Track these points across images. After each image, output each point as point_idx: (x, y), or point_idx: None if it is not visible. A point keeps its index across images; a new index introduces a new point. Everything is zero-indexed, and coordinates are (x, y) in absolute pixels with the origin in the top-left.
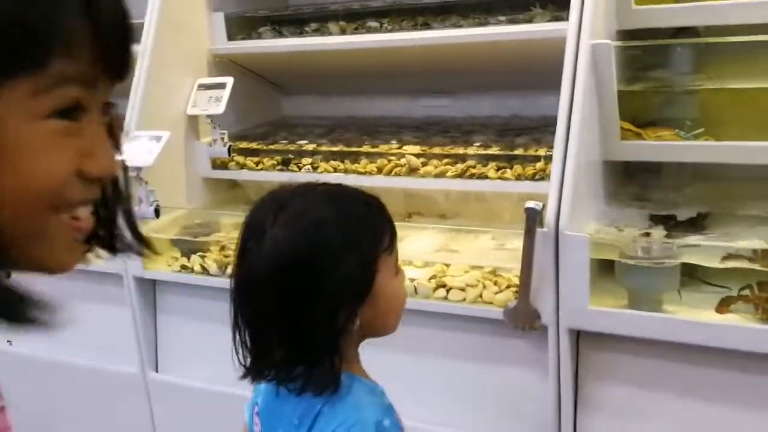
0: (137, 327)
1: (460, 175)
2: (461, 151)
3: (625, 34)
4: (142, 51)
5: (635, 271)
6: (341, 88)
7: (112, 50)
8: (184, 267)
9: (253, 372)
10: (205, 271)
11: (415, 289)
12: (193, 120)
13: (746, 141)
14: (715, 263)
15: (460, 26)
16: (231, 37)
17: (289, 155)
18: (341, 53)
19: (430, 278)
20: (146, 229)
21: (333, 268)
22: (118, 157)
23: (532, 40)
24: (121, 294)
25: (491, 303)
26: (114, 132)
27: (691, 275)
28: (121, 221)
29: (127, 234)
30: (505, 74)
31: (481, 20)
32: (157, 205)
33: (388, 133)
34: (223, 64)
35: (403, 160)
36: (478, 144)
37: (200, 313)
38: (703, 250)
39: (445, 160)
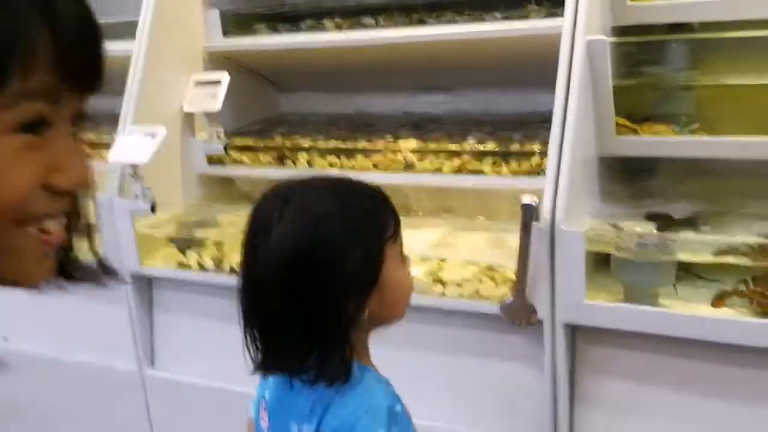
0: (134, 323)
1: (456, 171)
2: (457, 147)
3: (620, 31)
4: (138, 48)
5: (631, 266)
6: (337, 85)
7: (77, 63)
8: (180, 263)
9: (265, 366)
10: (201, 267)
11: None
12: (189, 117)
13: (741, 136)
14: (711, 258)
15: (456, 23)
16: (226, 33)
17: (285, 151)
18: (337, 50)
19: (427, 274)
20: (142, 225)
21: (340, 260)
22: (90, 170)
23: (528, 36)
24: (117, 290)
25: (488, 298)
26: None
27: (687, 270)
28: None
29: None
30: (501, 70)
31: (477, 17)
32: (154, 202)
33: (383, 129)
34: (218, 60)
35: (399, 156)
36: (473, 140)
37: (197, 309)
38: (699, 245)
39: (441, 156)
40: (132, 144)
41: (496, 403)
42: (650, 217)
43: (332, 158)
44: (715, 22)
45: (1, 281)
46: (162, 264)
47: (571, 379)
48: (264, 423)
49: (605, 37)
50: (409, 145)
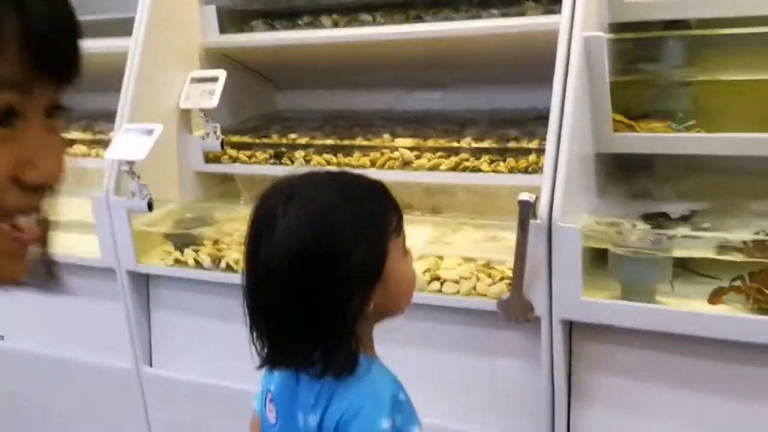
0: (130, 321)
1: (453, 168)
2: (454, 144)
3: (617, 27)
4: (134, 45)
5: (628, 263)
6: (334, 82)
7: (49, 53)
8: (177, 261)
9: (271, 360)
10: (198, 264)
11: None
12: (185, 114)
13: (738, 133)
14: (707, 254)
15: (453, 19)
16: (223, 30)
17: (282, 149)
18: (334, 46)
19: (424, 271)
20: (139, 223)
21: (345, 254)
22: (63, 165)
23: (525, 33)
24: (114, 288)
25: (485, 295)
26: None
27: (684, 266)
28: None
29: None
30: (498, 67)
31: (474, 13)
32: (150, 199)
33: (380, 126)
34: (215, 57)
35: (396, 154)
36: (471, 137)
37: (194, 307)
38: (696, 241)
39: (438, 153)
40: (129, 141)
41: (493, 400)
42: (647, 217)
43: (329, 155)
44: (712, 18)
45: None
46: (159, 262)
47: (568, 375)
48: (271, 416)
49: (602, 34)
50: (406, 142)
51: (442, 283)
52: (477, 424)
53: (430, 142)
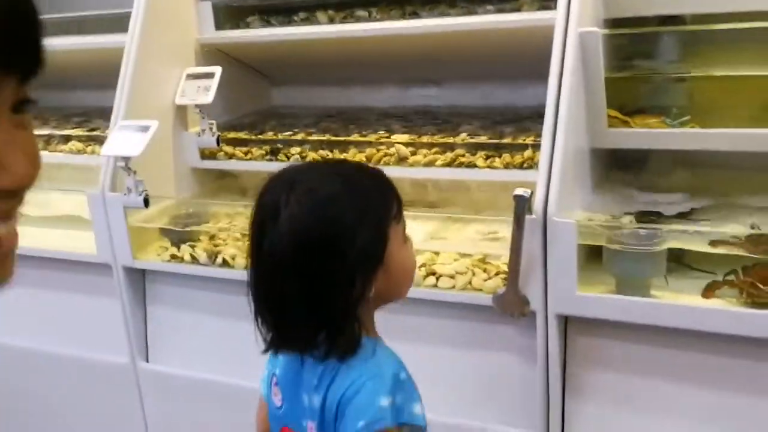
0: (127, 317)
1: (449, 164)
2: (450, 140)
3: (613, 23)
4: (130, 41)
5: (622, 257)
6: (330, 78)
7: (8, 45)
8: (173, 257)
9: (276, 344)
10: (195, 260)
11: None
12: (181, 110)
13: (732, 128)
14: (702, 248)
15: (449, 15)
16: (219, 26)
17: (278, 145)
18: (329, 42)
19: (420, 266)
20: (135, 219)
21: (347, 241)
22: (37, 165)
23: (520, 28)
24: (110, 284)
25: (480, 290)
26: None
27: (678, 261)
28: None
29: None
30: (494, 63)
31: (470, 9)
32: (146, 195)
33: (376, 122)
34: (211, 53)
35: (392, 150)
36: (466, 133)
37: (190, 302)
38: (690, 236)
39: (434, 149)
40: (124, 137)
41: (488, 394)
42: (642, 214)
43: (325, 151)
44: (707, 14)
45: None
46: (155, 257)
47: (563, 369)
48: (277, 399)
49: (598, 30)
50: (401, 138)
51: (437, 278)
52: (472, 418)
53: (426, 138)
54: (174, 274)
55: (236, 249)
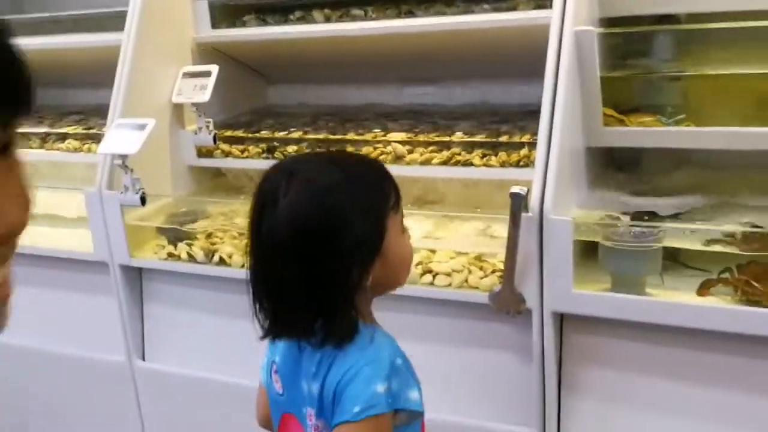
0: (123, 315)
1: (445, 163)
2: (446, 138)
3: (608, 22)
4: (126, 39)
5: (618, 255)
6: (326, 77)
7: None
8: (170, 255)
9: (273, 331)
10: (191, 258)
11: None
12: (178, 108)
13: (727, 127)
14: (696, 247)
15: (444, 14)
16: (215, 25)
17: (275, 143)
18: (325, 41)
19: (417, 264)
20: (132, 217)
21: (345, 229)
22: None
23: (516, 27)
24: (107, 282)
25: (477, 288)
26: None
27: (673, 259)
28: None
29: None
30: (490, 62)
31: (466, 8)
32: (143, 193)
33: (373, 120)
34: (207, 52)
35: (388, 148)
36: (462, 131)
37: (187, 301)
38: (685, 234)
39: (431, 148)
40: (121, 135)
41: (484, 391)
42: (636, 216)
43: (321, 150)
44: (702, 13)
45: None
46: (152, 255)
47: (559, 366)
48: (278, 386)
49: (593, 29)
50: (398, 136)
51: (434, 276)
52: (468, 415)
53: (422, 137)
54: (171, 273)
55: (233, 247)
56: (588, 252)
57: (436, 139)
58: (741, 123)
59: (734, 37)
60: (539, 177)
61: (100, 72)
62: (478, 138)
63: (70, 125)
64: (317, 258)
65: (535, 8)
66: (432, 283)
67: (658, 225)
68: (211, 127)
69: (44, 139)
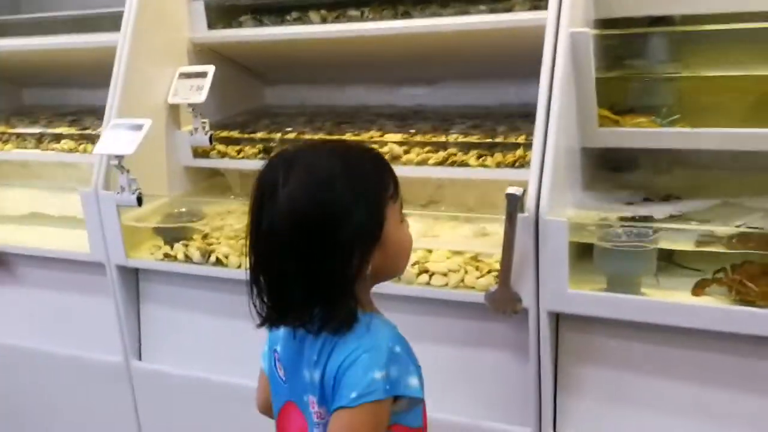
0: (120, 315)
1: (441, 163)
2: (442, 139)
3: (603, 23)
4: (123, 40)
5: (613, 255)
6: (322, 77)
7: None
8: (167, 255)
9: (272, 319)
10: (188, 259)
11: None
12: (174, 109)
13: (721, 128)
14: (691, 247)
15: (441, 15)
16: (211, 25)
17: (271, 144)
18: (322, 42)
19: (413, 264)
20: (128, 217)
21: (344, 218)
22: None
23: (512, 28)
24: (103, 282)
25: (473, 287)
26: None
27: (668, 259)
28: None
29: None
30: (485, 63)
31: (461, 9)
32: (139, 194)
33: (369, 121)
34: (203, 52)
35: (385, 149)
36: (459, 132)
37: (183, 301)
38: (680, 234)
39: (427, 148)
40: (117, 136)
41: (480, 391)
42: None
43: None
44: (696, 15)
45: None
46: (148, 256)
47: (555, 366)
48: (281, 374)
49: (588, 30)
50: (394, 137)
51: (430, 276)
52: (464, 414)
53: (419, 137)
54: (167, 273)
55: (229, 248)
56: (583, 252)
57: (433, 139)
58: (735, 124)
59: (729, 39)
60: (535, 177)
61: (96, 72)
62: (474, 139)
63: (66, 125)
64: (317, 247)
65: (530, 9)
66: (428, 283)
67: (653, 225)
68: (207, 127)
69: (39, 139)
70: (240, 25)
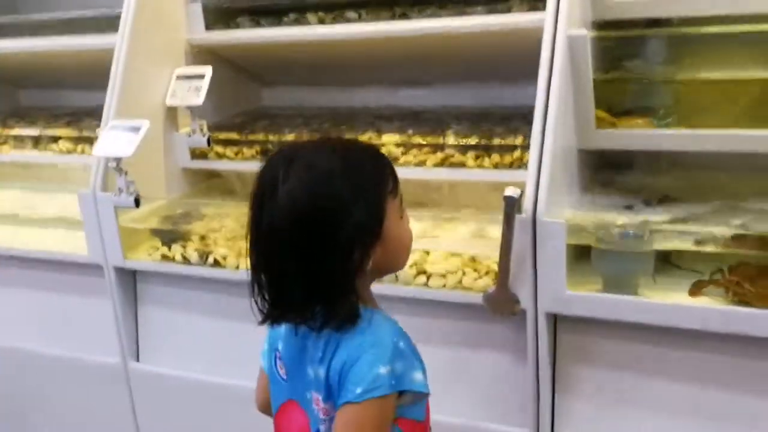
0: (118, 317)
1: (439, 164)
2: (440, 140)
3: (601, 25)
4: (120, 41)
5: (611, 257)
6: (320, 79)
7: None
8: (164, 257)
9: (273, 316)
10: (186, 260)
11: (396, 276)
12: (171, 110)
13: (718, 129)
14: (688, 248)
15: (438, 16)
16: (209, 27)
17: (269, 145)
18: (319, 44)
19: (411, 265)
20: (126, 219)
21: (345, 215)
22: None
23: (510, 30)
24: (101, 284)
25: (471, 289)
26: None
27: (665, 260)
28: None
29: None
30: (483, 64)
31: (459, 11)
32: (137, 195)
33: (367, 122)
34: (200, 54)
35: (383, 150)
36: (456, 134)
37: (181, 302)
38: (677, 236)
39: (425, 150)
40: (115, 138)
41: (478, 392)
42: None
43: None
44: (693, 17)
45: None
46: (146, 257)
47: (553, 367)
48: (282, 372)
49: (586, 32)
50: (392, 138)
51: (428, 277)
52: (462, 416)
53: (416, 139)
54: (165, 275)
55: (227, 249)
56: (581, 253)
57: (430, 141)
58: (732, 125)
59: (725, 41)
60: (532, 179)
61: (93, 74)
62: (472, 140)
63: (63, 127)
64: (317, 245)
65: (528, 11)
66: (426, 285)
67: (650, 227)
68: (205, 129)
69: (37, 140)
70: (237, 26)
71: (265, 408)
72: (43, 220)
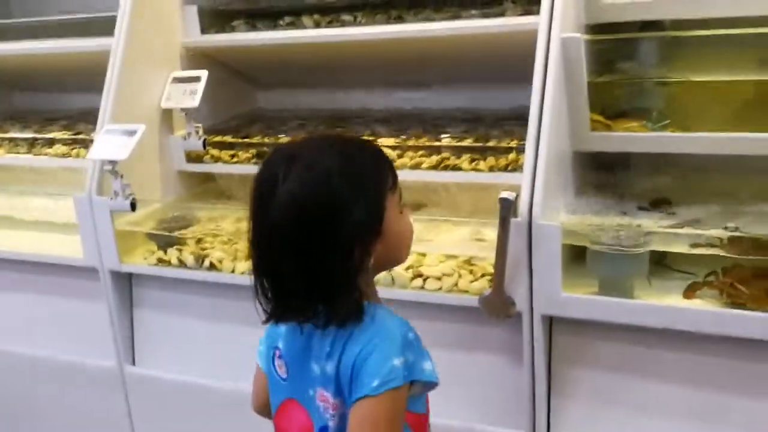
0: (114, 321)
1: (434, 167)
2: (435, 143)
3: (595, 28)
4: (116, 44)
5: (606, 259)
6: (315, 82)
7: None
8: (160, 260)
9: (276, 314)
10: (182, 264)
11: (392, 279)
12: (167, 113)
13: (711, 132)
14: (683, 250)
15: (433, 20)
16: (204, 30)
17: (264, 148)
18: (315, 47)
19: (407, 268)
20: (122, 222)
21: (345, 212)
22: None
23: (504, 33)
24: (97, 288)
25: (467, 291)
26: None
27: (660, 263)
28: None
29: None
30: (478, 67)
31: (454, 14)
32: (133, 199)
33: (362, 125)
34: (196, 57)
35: None
36: (452, 136)
37: (177, 306)
38: (671, 238)
39: (420, 152)
40: (111, 141)
41: (474, 394)
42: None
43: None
44: (687, 20)
45: None
46: (142, 261)
47: (549, 369)
48: (282, 371)
49: (580, 35)
50: (387, 141)
51: (424, 280)
52: (458, 418)
53: (412, 141)
54: (161, 278)
55: (223, 252)
56: (576, 255)
57: (426, 143)
58: (725, 128)
59: (719, 44)
60: (527, 181)
61: (88, 77)
62: (467, 143)
63: (58, 130)
64: (317, 243)
65: (522, 14)
66: (422, 287)
67: (645, 229)
68: (201, 132)
69: (32, 144)
70: (233, 29)
71: (262, 409)
72: (38, 223)
